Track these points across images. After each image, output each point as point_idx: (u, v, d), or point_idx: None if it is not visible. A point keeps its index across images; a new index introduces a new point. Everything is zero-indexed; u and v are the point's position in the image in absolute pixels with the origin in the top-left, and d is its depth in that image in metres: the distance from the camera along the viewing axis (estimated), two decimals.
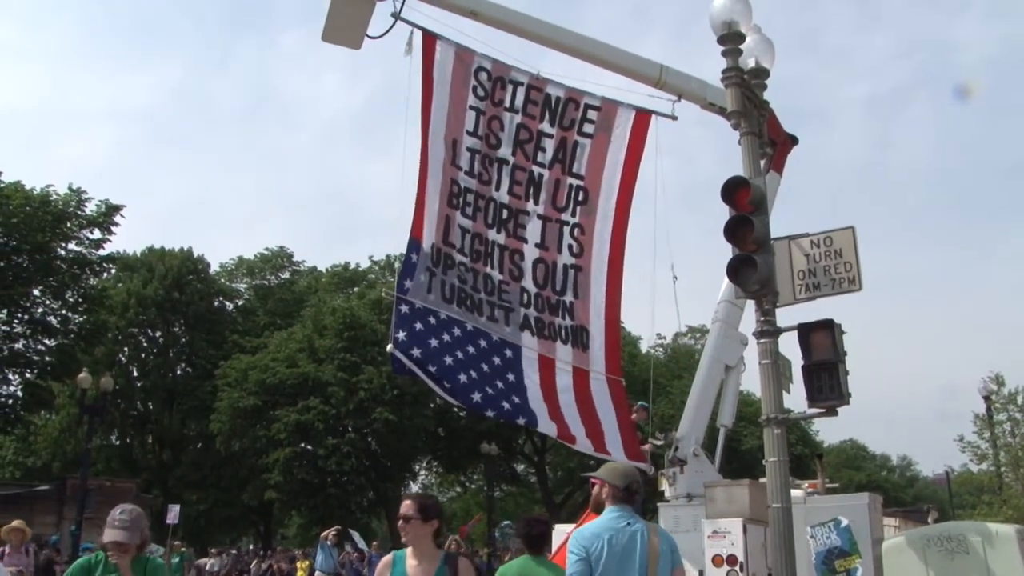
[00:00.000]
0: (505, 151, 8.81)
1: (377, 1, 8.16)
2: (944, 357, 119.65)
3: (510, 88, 8.84)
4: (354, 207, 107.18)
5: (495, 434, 35.84)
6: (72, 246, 30.18)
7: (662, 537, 4.43)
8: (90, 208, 29.73)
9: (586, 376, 8.73)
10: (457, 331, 8.09)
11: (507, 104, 8.84)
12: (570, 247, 8.97)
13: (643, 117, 9.12)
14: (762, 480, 7.41)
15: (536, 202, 8.93)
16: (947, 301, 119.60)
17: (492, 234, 8.66)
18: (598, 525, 4.37)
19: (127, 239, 70.84)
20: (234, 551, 37.70)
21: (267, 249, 50.66)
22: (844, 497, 10.12)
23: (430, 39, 8.35)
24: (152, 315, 41.90)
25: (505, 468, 44.83)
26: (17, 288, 28.19)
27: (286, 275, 51.20)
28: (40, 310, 30.34)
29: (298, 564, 28.37)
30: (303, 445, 34.51)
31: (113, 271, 37.57)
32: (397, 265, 9.82)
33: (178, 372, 44.02)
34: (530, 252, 8.82)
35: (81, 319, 31.53)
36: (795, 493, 7.89)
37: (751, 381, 11.22)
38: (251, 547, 45.04)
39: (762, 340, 6.74)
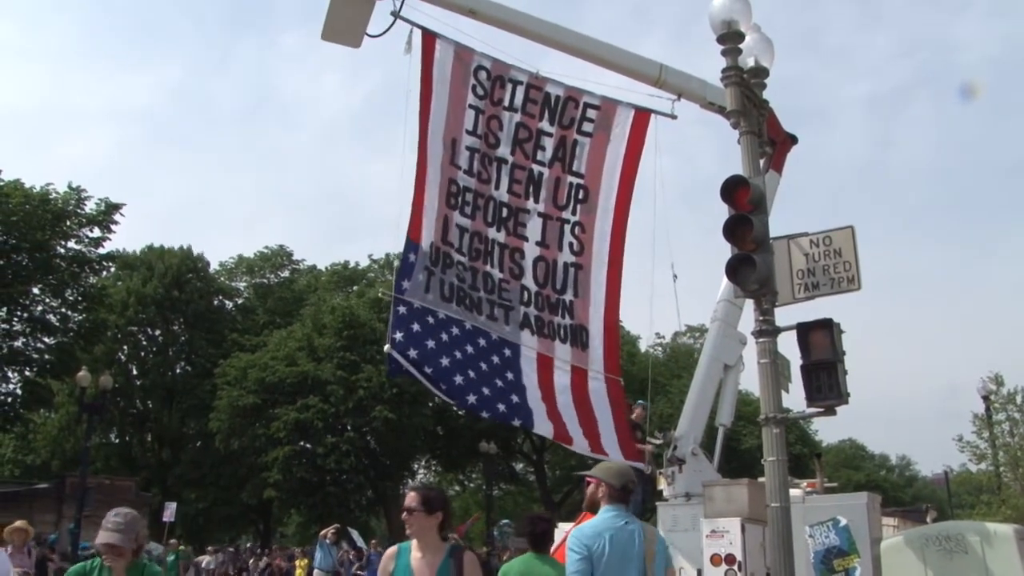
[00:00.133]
0: (504, 150, 8.81)
1: (377, 0, 8.17)
2: (944, 357, 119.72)
3: (510, 87, 8.84)
4: (354, 207, 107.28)
5: (494, 433, 35.78)
6: (72, 244, 30.15)
7: (656, 537, 4.47)
8: (90, 206, 29.73)
9: (585, 375, 8.73)
10: (455, 330, 8.10)
11: (506, 103, 8.84)
12: (571, 245, 8.97)
13: (642, 116, 9.14)
14: (761, 479, 7.41)
15: (536, 200, 8.93)
16: (947, 300, 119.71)
17: (492, 232, 8.66)
18: (598, 524, 4.36)
19: (127, 239, 70.91)
20: (232, 549, 37.74)
21: (267, 248, 50.78)
22: (843, 496, 10.12)
23: (430, 38, 8.36)
24: (151, 313, 41.90)
25: (504, 467, 44.78)
26: (17, 286, 28.13)
27: (286, 274, 51.21)
28: (40, 308, 30.29)
29: (297, 562, 28.41)
30: (302, 443, 34.50)
31: (113, 269, 37.53)
32: (396, 264, 9.82)
33: (177, 370, 44.00)
34: (531, 250, 8.82)
35: (80, 317, 31.50)
36: (794, 492, 7.88)
37: (750, 380, 11.18)
38: (249, 545, 45.01)
39: (761, 339, 6.73)
